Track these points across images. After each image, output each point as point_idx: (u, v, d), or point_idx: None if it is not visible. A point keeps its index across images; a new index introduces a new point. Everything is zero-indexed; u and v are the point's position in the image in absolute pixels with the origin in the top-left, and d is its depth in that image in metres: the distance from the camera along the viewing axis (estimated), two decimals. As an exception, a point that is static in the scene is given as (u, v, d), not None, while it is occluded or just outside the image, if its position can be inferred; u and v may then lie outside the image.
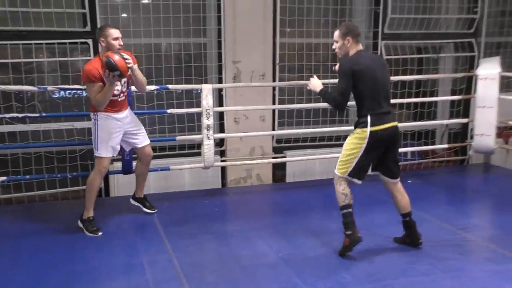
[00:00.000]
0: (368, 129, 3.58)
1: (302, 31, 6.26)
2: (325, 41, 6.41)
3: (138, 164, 4.65)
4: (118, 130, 4.27)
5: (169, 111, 5.27)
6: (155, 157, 5.53)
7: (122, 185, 5.27)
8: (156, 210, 4.71)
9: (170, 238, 4.07)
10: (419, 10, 6.68)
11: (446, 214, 4.62)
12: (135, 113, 5.13)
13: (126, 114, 4.36)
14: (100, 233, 4.17)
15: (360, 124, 3.64)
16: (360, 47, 3.72)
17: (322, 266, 3.59)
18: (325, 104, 5.88)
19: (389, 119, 3.68)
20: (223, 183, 5.95)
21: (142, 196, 4.75)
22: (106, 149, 4.20)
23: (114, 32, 4.09)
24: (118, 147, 4.34)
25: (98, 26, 5.28)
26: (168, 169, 5.31)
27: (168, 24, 5.68)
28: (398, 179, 3.85)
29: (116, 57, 3.88)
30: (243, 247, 3.89)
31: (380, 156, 3.71)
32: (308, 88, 3.90)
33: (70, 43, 5.28)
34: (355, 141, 3.65)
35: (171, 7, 5.65)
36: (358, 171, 3.68)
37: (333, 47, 3.79)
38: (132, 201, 4.78)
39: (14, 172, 5.17)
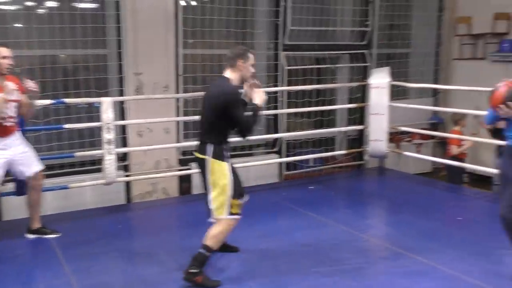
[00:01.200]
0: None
1: (205, 42, 6.31)
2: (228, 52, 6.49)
3: (30, 192, 4.27)
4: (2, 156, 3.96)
5: (66, 126, 5.05)
6: (52, 176, 5.30)
7: (16, 207, 4.91)
8: (60, 233, 4.38)
9: (70, 260, 3.86)
10: (316, 23, 7.00)
11: (345, 217, 4.84)
12: (30, 129, 4.88)
13: (13, 139, 4.06)
14: None
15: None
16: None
17: (228, 276, 3.60)
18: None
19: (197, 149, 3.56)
20: (128, 199, 5.80)
21: (40, 226, 4.38)
22: None
23: (2, 51, 3.85)
24: None
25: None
26: (67, 188, 5.07)
27: (64, 34, 5.46)
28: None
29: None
30: (149, 265, 3.80)
31: None
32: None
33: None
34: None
35: (68, 17, 5.45)
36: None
37: None
38: (29, 235, 4.34)
39: None
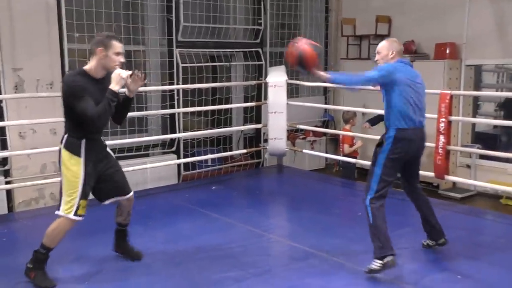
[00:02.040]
0: None
1: (93, 36, 5.86)
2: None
3: None
4: None
5: None
6: None
7: None
8: None
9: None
10: (210, 20, 6.87)
11: (250, 217, 4.78)
12: None
13: None
14: None
15: None
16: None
17: (134, 285, 3.38)
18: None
19: None
20: (10, 208, 5.21)
21: None
22: None
23: None
24: None
25: None
26: None
27: None
28: None
29: None
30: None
31: None
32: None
33: None
34: None
35: None
36: None
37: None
38: None
39: None
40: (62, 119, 5.31)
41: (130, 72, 3.30)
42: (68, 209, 3.27)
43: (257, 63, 7.34)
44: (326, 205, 5.22)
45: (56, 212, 3.31)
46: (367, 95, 7.24)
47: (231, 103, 7.17)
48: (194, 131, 6.62)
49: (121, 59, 3.30)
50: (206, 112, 6.84)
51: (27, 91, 5.20)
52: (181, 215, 4.80)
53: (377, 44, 3.98)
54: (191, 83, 6.51)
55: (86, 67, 3.30)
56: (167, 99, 6.36)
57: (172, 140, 6.43)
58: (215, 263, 3.73)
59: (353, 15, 8.11)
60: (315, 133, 7.75)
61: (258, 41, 7.38)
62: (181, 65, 6.42)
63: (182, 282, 3.45)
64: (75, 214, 3.28)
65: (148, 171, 5.80)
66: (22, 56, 5.20)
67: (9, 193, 5.19)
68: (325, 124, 8.18)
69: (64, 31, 5.49)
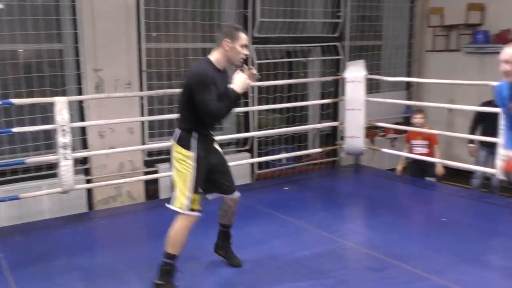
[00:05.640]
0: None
1: (169, 35, 5.92)
2: (194, 45, 6.15)
3: None
4: None
5: (14, 130, 4.50)
6: (4, 183, 4.84)
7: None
8: None
9: (21, 282, 3.42)
10: (286, 14, 6.70)
11: (324, 221, 4.53)
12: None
13: None
14: None
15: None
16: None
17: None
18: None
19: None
20: (90, 205, 5.38)
21: None
22: None
23: None
24: None
25: None
26: (17, 198, 4.53)
27: (13, 28, 4.97)
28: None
29: None
30: (111, 285, 3.42)
31: None
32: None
33: None
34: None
35: (16, 9, 4.95)
36: None
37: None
38: None
39: None
40: (139, 118, 5.51)
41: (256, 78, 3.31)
42: (181, 205, 3.17)
43: (335, 57, 7.07)
44: (407, 209, 4.87)
45: (167, 205, 3.23)
46: (454, 90, 6.75)
47: (307, 100, 6.96)
48: (269, 129, 6.48)
49: (246, 51, 3.23)
50: (281, 109, 6.68)
51: (106, 91, 5.32)
52: (253, 217, 4.66)
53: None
54: (266, 80, 6.38)
55: (212, 58, 3.20)
56: (242, 96, 6.26)
57: (246, 138, 6.34)
58: (286, 271, 3.55)
59: (441, 4, 7.55)
60: (396, 130, 7.31)
61: (336, 35, 7.10)
62: (256, 61, 6.30)
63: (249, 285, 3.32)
64: (191, 209, 3.18)
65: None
66: (102, 57, 5.31)
67: (89, 191, 5.35)
68: (406, 121, 7.70)
69: (142, 31, 5.56)
